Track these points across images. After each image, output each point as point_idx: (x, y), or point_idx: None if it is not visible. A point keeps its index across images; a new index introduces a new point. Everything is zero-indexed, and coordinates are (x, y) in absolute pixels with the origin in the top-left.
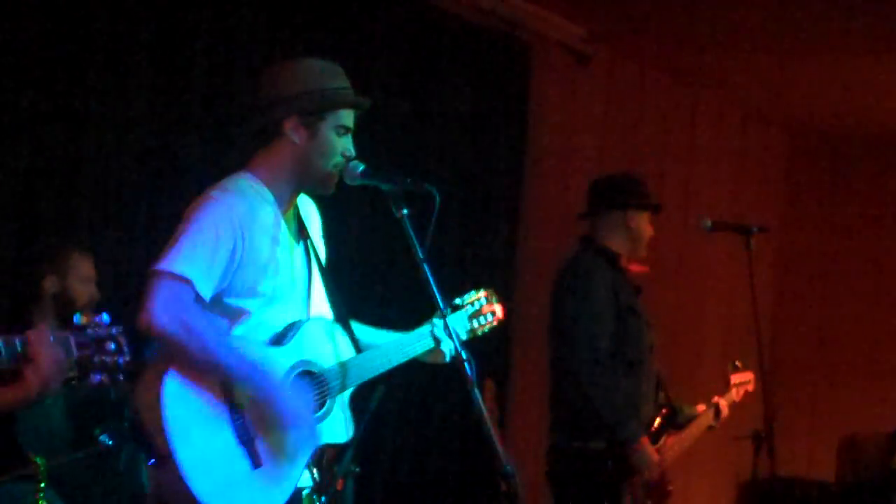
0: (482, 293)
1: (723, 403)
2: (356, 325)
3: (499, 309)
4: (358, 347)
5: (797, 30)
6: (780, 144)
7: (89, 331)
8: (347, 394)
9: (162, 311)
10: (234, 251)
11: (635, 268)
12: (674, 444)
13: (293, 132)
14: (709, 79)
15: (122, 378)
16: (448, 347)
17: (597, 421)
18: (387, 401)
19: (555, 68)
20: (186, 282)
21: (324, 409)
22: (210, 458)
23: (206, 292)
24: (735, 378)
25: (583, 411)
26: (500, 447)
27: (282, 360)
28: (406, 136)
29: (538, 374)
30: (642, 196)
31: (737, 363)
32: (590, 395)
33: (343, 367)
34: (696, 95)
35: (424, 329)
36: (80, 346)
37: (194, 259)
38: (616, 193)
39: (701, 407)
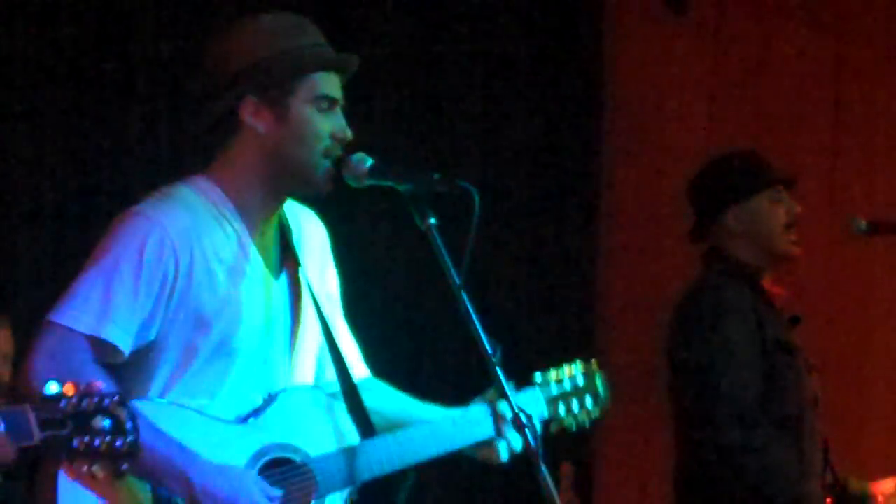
0: (578, 367)
1: None
2: (385, 392)
3: (605, 392)
4: (369, 428)
5: None
6: None
7: (64, 402)
8: (344, 495)
9: (42, 374)
10: (162, 288)
11: (779, 291)
12: None
13: (253, 118)
14: (858, 31)
15: (125, 467)
16: (513, 437)
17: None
18: (420, 494)
19: (638, 18)
20: (87, 337)
21: None
22: None
23: (124, 345)
24: None
25: (732, 489)
26: None
27: (244, 443)
28: (434, 120)
29: (630, 450)
30: (754, 174)
31: None
32: (744, 464)
33: (343, 456)
34: (841, 52)
35: (479, 409)
36: (45, 424)
37: (100, 303)
38: (725, 187)
39: (878, 489)
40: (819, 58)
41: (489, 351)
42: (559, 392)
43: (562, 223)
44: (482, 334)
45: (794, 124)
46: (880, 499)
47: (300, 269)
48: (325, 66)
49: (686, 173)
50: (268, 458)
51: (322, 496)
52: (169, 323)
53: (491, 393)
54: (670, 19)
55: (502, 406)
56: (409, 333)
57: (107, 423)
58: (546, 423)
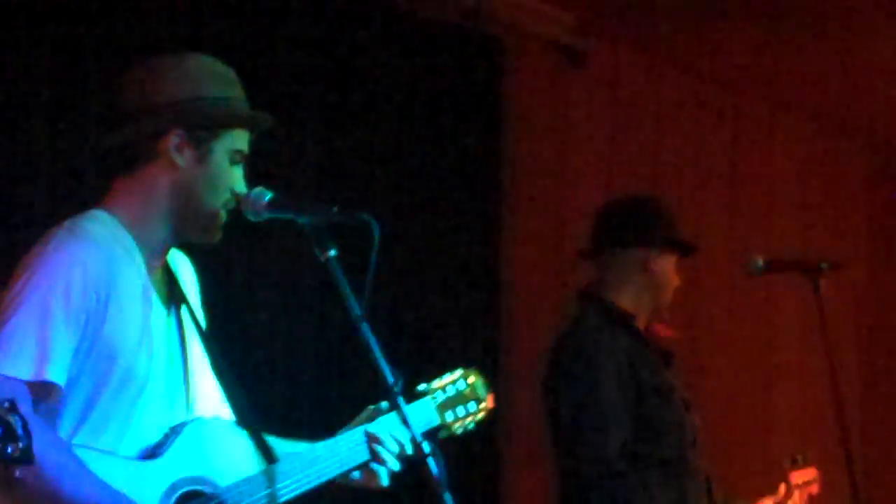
0: (459, 373)
1: None
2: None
3: (485, 394)
4: (270, 455)
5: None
6: (856, 163)
7: None
8: None
9: None
10: (86, 325)
11: (661, 331)
12: None
13: (176, 151)
14: (755, 83)
15: (17, 474)
16: (391, 460)
17: None
18: None
19: (537, 70)
20: (28, 384)
21: None
22: None
23: (62, 382)
24: (796, 477)
25: None
26: None
27: (155, 479)
28: (338, 161)
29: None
30: (668, 229)
31: (796, 457)
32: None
33: (252, 482)
34: (739, 104)
35: (355, 433)
36: None
37: (38, 346)
38: (633, 225)
39: None
40: (715, 106)
41: (391, 381)
42: (445, 399)
43: (463, 269)
44: (384, 364)
45: (694, 171)
46: None
47: (185, 305)
48: (251, 125)
49: (586, 222)
50: (180, 492)
51: None
52: (84, 359)
53: (363, 416)
54: (569, 72)
55: (377, 428)
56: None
57: None
58: (435, 431)
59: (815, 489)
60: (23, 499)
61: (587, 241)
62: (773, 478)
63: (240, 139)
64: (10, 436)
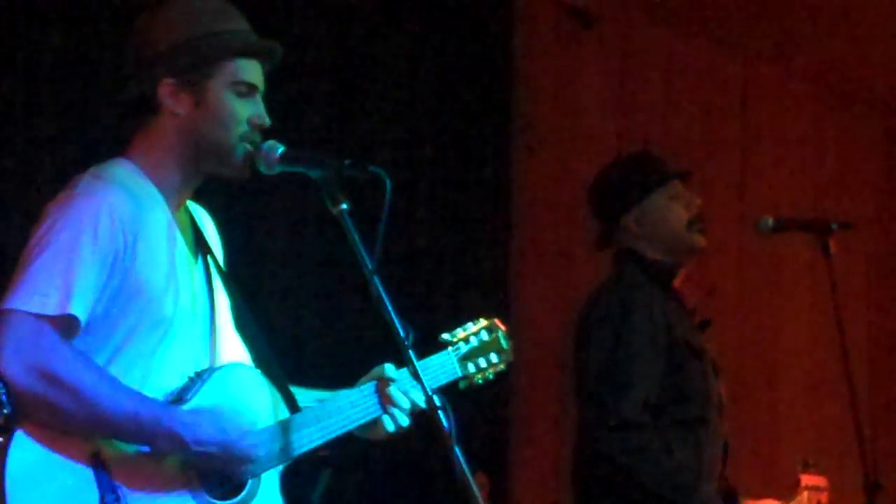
0: (482, 324)
1: None
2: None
3: (507, 345)
4: (294, 405)
5: None
6: (868, 125)
7: None
8: (278, 472)
9: (11, 367)
10: (113, 265)
11: (690, 293)
12: None
13: (172, 100)
14: (766, 48)
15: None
16: (401, 410)
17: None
18: (337, 486)
19: (549, 33)
20: (53, 318)
21: (244, 492)
22: None
23: (83, 317)
24: (807, 479)
25: (626, 494)
26: None
27: None
28: (352, 114)
29: (545, 459)
30: (646, 173)
31: (809, 461)
32: (633, 468)
33: (274, 431)
34: (749, 69)
35: (366, 388)
36: None
37: (63, 282)
38: (615, 190)
39: None
40: (726, 69)
41: (402, 334)
42: (468, 350)
43: (474, 231)
44: (395, 318)
45: (705, 133)
46: None
47: (210, 254)
48: (245, 52)
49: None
50: None
51: (258, 474)
52: (113, 299)
53: (377, 370)
54: (578, 33)
55: (392, 389)
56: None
57: None
58: (457, 382)
59: (824, 498)
60: (64, 421)
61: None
62: (779, 443)
63: (242, 70)
64: None
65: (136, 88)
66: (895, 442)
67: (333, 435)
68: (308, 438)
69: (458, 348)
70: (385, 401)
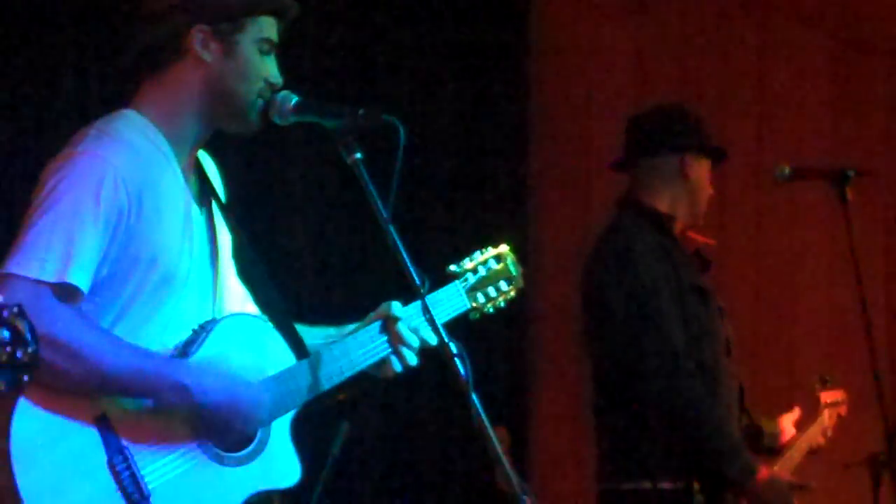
0: (490, 252)
1: (813, 431)
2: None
3: (517, 271)
4: (303, 350)
5: None
6: (886, 78)
7: None
8: (288, 421)
9: None
10: (116, 227)
11: (697, 237)
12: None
13: (202, 47)
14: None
15: (26, 378)
16: (410, 349)
17: (692, 448)
18: (356, 437)
19: None
20: (52, 284)
21: (253, 444)
22: None
23: (85, 287)
24: (825, 396)
25: (663, 438)
26: (511, 471)
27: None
28: (365, 69)
29: (565, 413)
30: (700, 135)
31: (826, 377)
32: (681, 413)
33: (279, 381)
34: (765, 21)
35: (373, 327)
36: None
37: (63, 248)
38: (666, 131)
39: (785, 422)
40: (742, 21)
41: (418, 283)
42: (476, 280)
43: (490, 186)
44: (411, 267)
45: (721, 86)
46: (786, 436)
47: (214, 203)
48: (275, 10)
49: (614, 134)
50: None
51: (267, 422)
52: (118, 261)
53: (383, 308)
54: None
55: (400, 327)
56: (340, 272)
57: (6, 334)
58: (467, 313)
59: (843, 410)
60: (67, 382)
61: (619, 152)
62: (797, 389)
63: (267, 27)
64: (19, 341)
65: (161, 32)
66: None
67: (342, 378)
68: (317, 383)
69: (465, 279)
70: (394, 340)
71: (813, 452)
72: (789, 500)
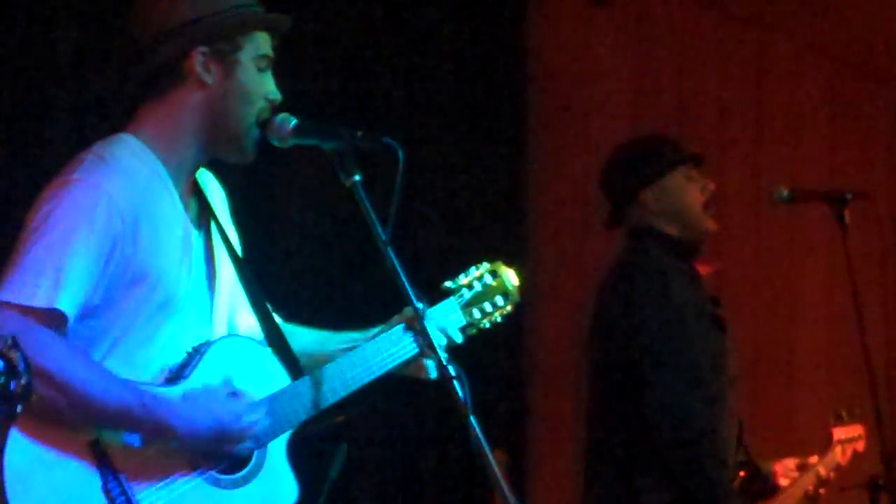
0: (485, 268)
1: (822, 468)
2: (299, 331)
3: (513, 286)
4: (297, 370)
5: None
6: (883, 101)
7: None
8: (284, 441)
9: None
10: (110, 255)
11: (702, 269)
12: None
13: (203, 69)
14: (779, 23)
15: (18, 409)
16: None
17: (689, 477)
18: (354, 458)
19: (563, 8)
20: (43, 311)
21: (250, 465)
22: None
23: (71, 314)
24: (839, 433)
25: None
26: (510, 494)
27: None
28: (361, 89)
29: (563, 436)
30: (664, 153)
31: (842, 413)
32: (690, 441)
33: (275, 401)
34: (763, 42)
35: (396, 329)
36: None
37: (54, 275)
38: (631, 168)
39: (780, 469)
40: (740, 42)
41: (417, 305)
42: (472, 296)
43: (486, 212)
44: (409, 289)
45: (719, 107)
46: (782, 480)
47: (213, 224)
48: (269, 26)
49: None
50: None
51: (263, 444)
52: (114, 287)
53: (408, 311)
54: (594, 9)
55: (427, 324)
56: (336, 292)
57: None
58: (463, 329)
59: (860, 446)
60: (57, 415)
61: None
62: (796, 413)
63: (263, 44)
64: (12, 372)
65: (161, 57)
66: None
67: (360, 386)
68: (315, 404)
69: (461, 295)
70: (421, 338)
71: (810, 501)
72: None
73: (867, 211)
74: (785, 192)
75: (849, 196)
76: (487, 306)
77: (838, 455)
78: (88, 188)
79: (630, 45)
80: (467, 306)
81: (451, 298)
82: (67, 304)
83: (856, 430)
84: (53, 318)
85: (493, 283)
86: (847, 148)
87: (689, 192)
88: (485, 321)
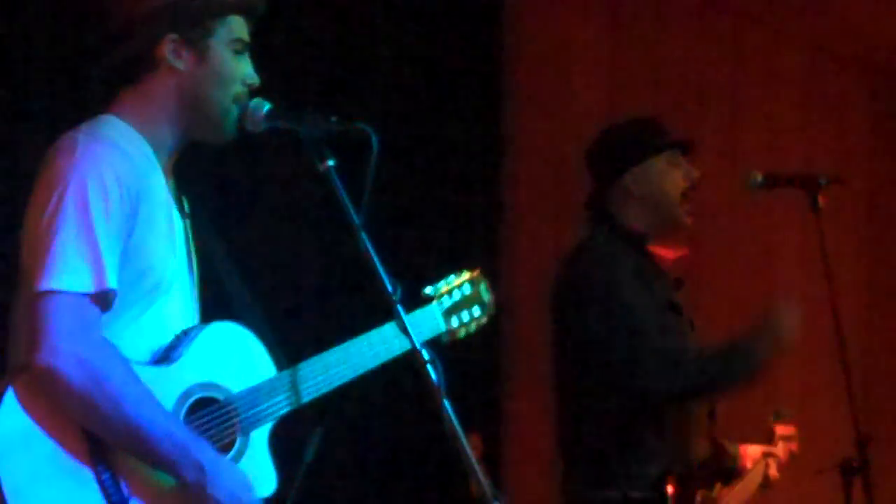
0: (464, 276)
1: (770, 461)
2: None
3: (489, 298)
4: (282, 359)
5: None
6: (858, 87)
7: None
8: (266, 430)
9: (62, 354)
10: (123, 227)
11: (668, 253)
12: (729, 500)
13: (174, 56)
14: (755, 9)
15: None
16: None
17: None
18: (329, 444)
19: None
20: (94, 294)
21: (233, 450)
22: None
23: (116, 285)
24: (780, 430)
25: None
26: (484, 478)
27: (168, 386)
28: (337, 71)
29: (538, 422)
30: (651, 137)
31: (781, 411)
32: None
33: (264, 389)
34: (739, 30)
35: (386, 328)
36: None
37: (92, 255)
38: (616, 150)
39: (746, 452)
40: (716, 30)
41: (390, 289)
42: (451, 304)
43: (465, 187)
44: (383, 273)
45: (695, 94)
46: (748, 462)
47: (187, 205)
48: (241, 9)
49: (587, 144)
50: (192, 399)
51: (247, 432)
52: (121, 265)
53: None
54: None
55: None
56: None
57: None
58: (439, 337)
59: (794, 446)
60: (91, 422)
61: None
62: (770, 399)
63: (237, 27)
64: None
65: (132, 46)
66: (886, 397)
67: (347, 379)
68: (301, 395)
69: (441, 302)
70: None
71: (763, 488)
72: None
73: (843, 196)
74: (759, 178)
75: (823, 181)
76: (465, 315)
77: (780, 451)
78: (93, 164)
79: (605, 32)
80: (447, 314)
81: (434, 304)
82: (113, 279)
83: (792, 430)
84: (104, 298)
85: (471, 293)
86: (823, 134)
87: (669, 177)
88: (462, 330)
